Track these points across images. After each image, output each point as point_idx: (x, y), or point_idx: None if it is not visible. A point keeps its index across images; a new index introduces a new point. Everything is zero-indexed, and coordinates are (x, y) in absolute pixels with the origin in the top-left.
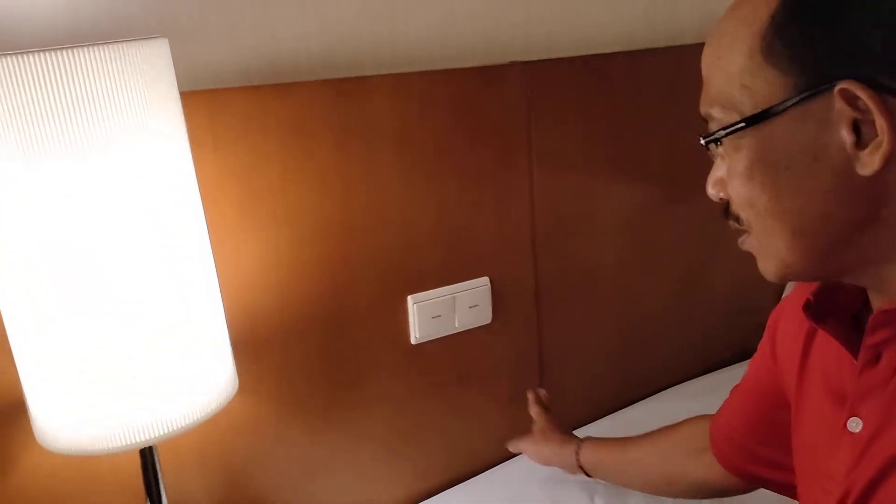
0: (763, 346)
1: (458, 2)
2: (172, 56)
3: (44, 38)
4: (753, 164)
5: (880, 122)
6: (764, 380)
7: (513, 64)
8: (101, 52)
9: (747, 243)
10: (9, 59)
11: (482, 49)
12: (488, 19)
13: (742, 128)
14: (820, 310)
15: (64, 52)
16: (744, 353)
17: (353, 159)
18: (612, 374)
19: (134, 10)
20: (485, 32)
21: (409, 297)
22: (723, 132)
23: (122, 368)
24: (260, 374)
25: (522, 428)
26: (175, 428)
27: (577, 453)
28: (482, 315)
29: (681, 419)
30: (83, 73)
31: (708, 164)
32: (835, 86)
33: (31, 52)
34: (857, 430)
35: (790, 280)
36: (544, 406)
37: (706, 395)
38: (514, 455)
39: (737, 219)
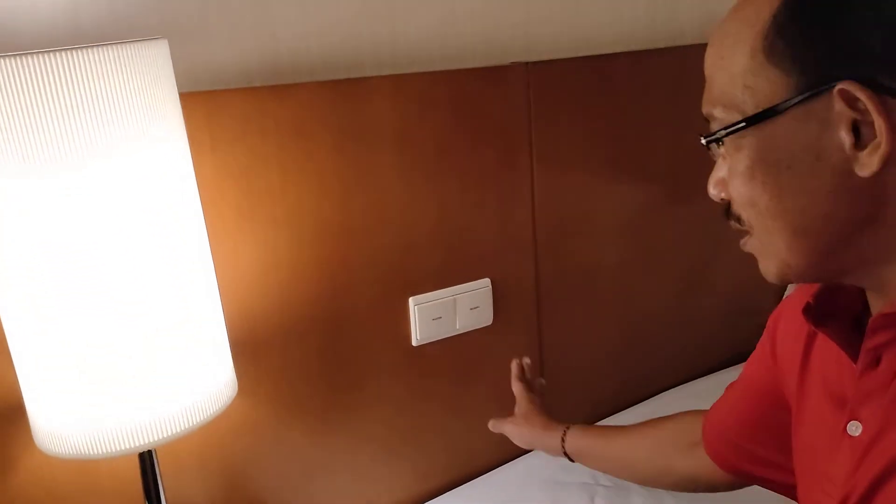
0: (763, 345)
1: (458, 2)
2: (173, 56)
3: (45, 39)
4: (755, 163)
5: (879, 124)
6: (763, 380)
7: (513, 64)
8: (100, 54)
9: (749, 245)
10: (8, 60)
11: (483, 49)
12: (489, 20)
13: (743, 127)
14: (820, 313)
15: (63, 53)
16: (745, 355)
17: (353, 160)
18: (613, 376)
19: (134, 11)
20: (485, 33)
21: (410, 299)
22: (724, 132)
23: (122, 368)
24: (259, 376)
25: None
26: (174, 431)
27: (563, 440)
28: (483, 317)
29: None
30: (82, 75)
31: (709, 165)
32: (835, 86)
33: (30, 53)
34: (857, 434)
35: (791, 281)
36: (528, 383)
37: (707, 396)
38: (515, 457)
39: (738, 219)
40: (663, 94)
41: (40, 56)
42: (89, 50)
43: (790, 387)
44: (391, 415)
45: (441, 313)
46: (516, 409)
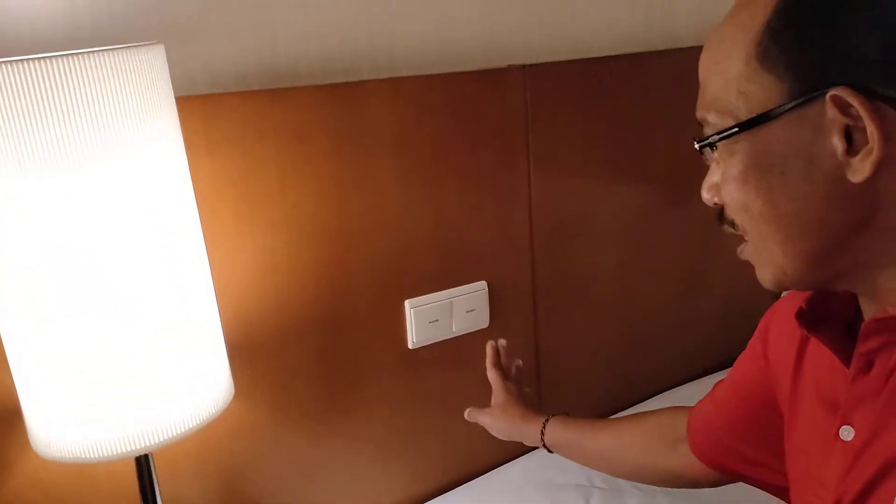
0: (754, 346)
1: (456, 5)
2: (171, 60)
3: (43, 43)
4: (748, 168)
5: (871, 129)
6: (755, 380)
7: (511, 67)
8: (97, 59)
9: (745, 252)
10: (7, 66)
11: (480, 53)
12: (486, 23)
13: (737, 133)
14: (813, 318)
15: (60, 59)
16: None
17: (351, 164)
18: (610, 378)
19: (133, 14)
20: (483, 36)
21: (407, 302)
22: (717, 137)
23: (122, 368)
24: (256, 379)
25: None
26: (171, 435)
27: (542, 432)
28: (480, 319)
29: None
30: (79, 79)
31: (706, 167)
32: (827, 92)
33: (27, 59)
34: (850, 439)
35: (787, 288)
36: (503, 371)
37: None
38: (512, 458)
39: (731, 224)
40: (661, 97)
41: (38, 62)
42: (86, 55)
43: (783, 390)
44: (388, 416)
45: (437, 316)
46: (493, 400)
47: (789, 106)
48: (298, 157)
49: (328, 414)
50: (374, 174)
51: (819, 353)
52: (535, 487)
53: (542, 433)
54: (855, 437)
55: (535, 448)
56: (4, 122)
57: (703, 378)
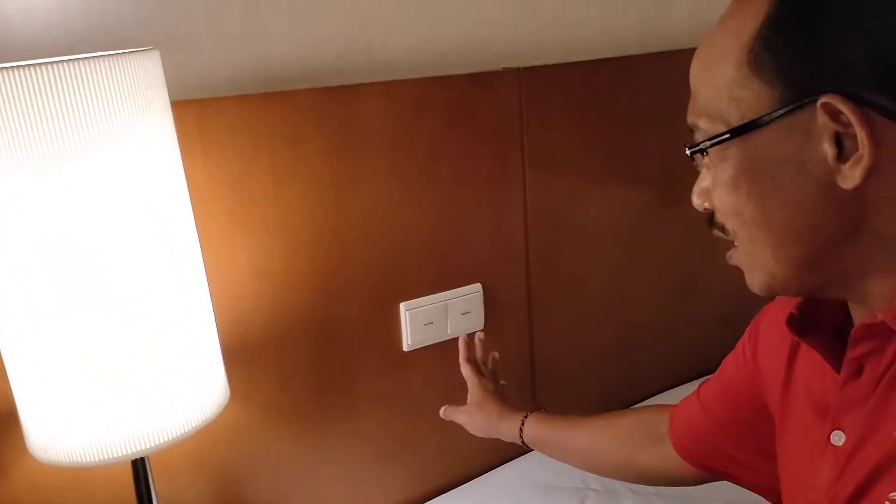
0: (743, 349)
1: (450, 9)
2: (166, 64)
3: (39, 49)
4: (739, 173)
5: (861, 136)
6: (743, 382)
7: (506, 70)
8: (93, 65)
9: (735, 258)
10: (3, 73)
11: (475, 55)
12: (481, 26)
13: (728, 139)
14: (803, 324)
15: (56, 65)
16: None
17: (346, 167)
18: (604, 381)
19: (128, 20)
20: (477, 38)
21: (402, 305)
22: (709, 143)
23: (124, 366)
24: (251, 382)
25: None
26: (168, 438)
27: (521, 429)
28: (474, 322)
29: None
30: (74, 85)
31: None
32: (818, 99)
33: (23, 65)
34: (840, 444)
35: (776, 293)
36: (478, 367)
37: None
38: (507, 461)
39: (722, 228)
40: (655, 99)
41: (35, 68)
42: (81, 61)
43: (773, 395)
44: (384, 418)
45: (432, 318)
46: (469, 397)
47: (780, 112)
48: (293, 160)
49: (324, 416)
50: (369, 177)
51: (810, 359)
52: (531, 490)
53: (521, 430)
54: (845, 441)
55: (531, 450)
56: (4, 126)
57: (697, 380)
